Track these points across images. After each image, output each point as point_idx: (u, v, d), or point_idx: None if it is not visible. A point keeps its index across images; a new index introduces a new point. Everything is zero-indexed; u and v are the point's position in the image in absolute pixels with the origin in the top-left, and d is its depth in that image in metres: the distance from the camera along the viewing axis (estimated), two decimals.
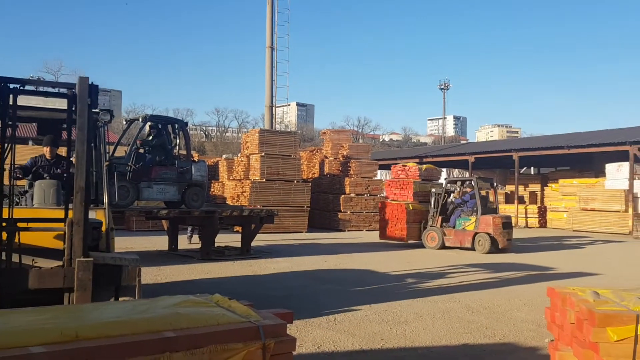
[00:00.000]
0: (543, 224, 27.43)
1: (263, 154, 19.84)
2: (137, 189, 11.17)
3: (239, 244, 13.13)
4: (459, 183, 16.01)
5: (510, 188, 29.80)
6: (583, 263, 12.95)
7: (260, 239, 14.96)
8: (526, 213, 27.85)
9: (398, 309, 7.35)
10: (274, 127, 27.81)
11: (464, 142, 71.31)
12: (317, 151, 25.16)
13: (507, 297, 8.35)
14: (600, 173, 25.98)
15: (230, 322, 3.12)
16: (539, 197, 29.54)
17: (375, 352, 5.43)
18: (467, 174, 27.06)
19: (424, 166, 17.93)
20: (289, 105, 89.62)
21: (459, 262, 12.56)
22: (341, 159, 23.23)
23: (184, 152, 12.59)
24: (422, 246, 15.48)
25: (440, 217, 15.39)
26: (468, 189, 15.53)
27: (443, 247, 15.08)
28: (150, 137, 11.87)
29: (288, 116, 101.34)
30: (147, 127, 11.87)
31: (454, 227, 15.12)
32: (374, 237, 18.04)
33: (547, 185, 29.56)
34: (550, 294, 4.55)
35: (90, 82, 5.33)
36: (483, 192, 16.10)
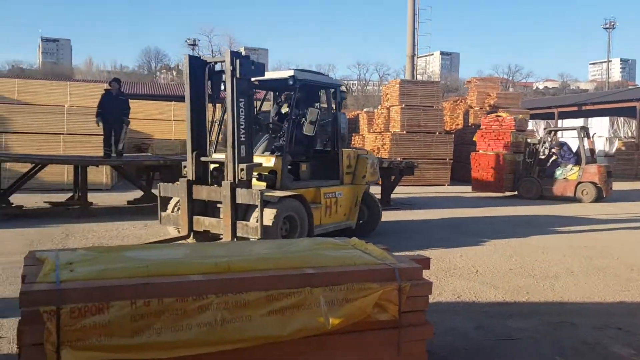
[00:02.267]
0: None
1: (403, 105, 19.56)
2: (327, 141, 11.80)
3: (379, 196, 13.27)
4: (553, 133, 16.03)
5: None
6: None
7: (401, 192, 14.97)
8: None
9: (546, 264, 6.99)
10: (415, 77, 27.18)
11: (632, 87, 63.72)
12: (461, 101, 24.20)
13: None
14: None
15: (366, 263, 3.23)
16: None
17: (518, 305, 5.25)
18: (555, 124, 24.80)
19: (520, 116, 17.38)
20: (432, 54, 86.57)
21: (599, 215, 11.53)
22: (487, 108, 22.09)
23: (325, 105, 12.87)
24: (519, 197, 15.26)
25: (537, 168, 15.31)
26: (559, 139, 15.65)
27: (541, 197, 14.99)
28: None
29: (431, 66, 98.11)
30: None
31: (552, 177, 15.10)
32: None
33: None
34: None
35: (236, 52, 6.75)
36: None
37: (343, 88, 8.75)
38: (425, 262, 3.57)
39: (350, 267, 3.13)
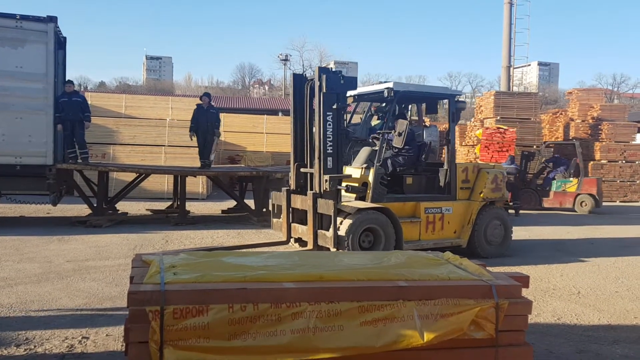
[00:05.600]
0: None
1: (498, 117, 18.89)
2: (435, 154, 11.78)
3: None
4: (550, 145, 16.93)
5: None
6: None
7: None
8: None
9: None
10: (511, 89, 26.21)
11: None
12: (561, 113, 22.94)
13: None
14: None
15: (461, 279, 3.13)
16: None
17: (626, 330, 4.86)
18: None
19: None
20: (529, 65, 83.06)
21: None
22: (590, 121, 20.79)
23: (415, 117, 12.72)
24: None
25: (535, 179, 15.97)
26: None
27: (538, 208, 15.21)
28: (384, 104, 12.26)
29: (528, 77, 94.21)
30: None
31: (548, 188, 15.53)
32: (626, 207, 15.95)
33: None
34: None
35: (324, 67, 7.04)
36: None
37: (461, 98, 8.31)
38: (524, 280, 3.40)
39: (445, 282, 3.05)
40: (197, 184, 15.28)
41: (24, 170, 9.55)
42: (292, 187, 7.48)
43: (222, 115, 17.17)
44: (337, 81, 6.82)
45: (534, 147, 18.16)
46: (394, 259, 3.46)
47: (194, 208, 12.23)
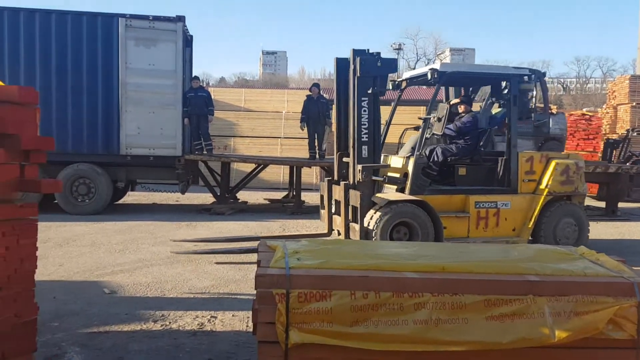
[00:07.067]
0: None
1: (634, 103, 17.32)
2: (492, 143, 11.19)
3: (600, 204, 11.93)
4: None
5: None
6: None
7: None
8: None
9: None
10: None
11: None
12: None
13: None
14: None
15: (598, 275, 2.92)
16: None
17: None
18: None
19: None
20: None
21: None
22: None
23: (541, 105, 11.98)
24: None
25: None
26: None
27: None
28: (506, 91, 11.67)
29: None
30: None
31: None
32: None
33: None
34: None
35: (359, 50, 6.45)
36: None
37: (525, 78, 7.43)
38: None
39: (580, 278, 2.84)
40: (311, 175, 15.63)
41: (156, 161, 10.33)
42: (335, 177, 7.08)
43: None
44: (373, 64, 6.35)
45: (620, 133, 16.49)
46: (521, 253, 3.29)
47: (308, 198, 12.50)
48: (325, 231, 7.31)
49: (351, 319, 2.65)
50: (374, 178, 6.39)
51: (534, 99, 12.01)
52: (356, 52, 6.45)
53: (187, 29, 10.59)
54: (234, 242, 7.40)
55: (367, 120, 6.44)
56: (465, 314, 2.68)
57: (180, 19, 10.08)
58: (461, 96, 7.66)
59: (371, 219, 6.09)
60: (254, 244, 6.78)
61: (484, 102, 10.90)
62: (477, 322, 2.68)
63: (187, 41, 10.93)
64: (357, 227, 6.27)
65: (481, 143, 7.51)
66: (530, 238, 6.97)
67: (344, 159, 6.90)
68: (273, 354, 2.66)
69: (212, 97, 11.48)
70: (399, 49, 57.91)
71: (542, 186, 6.99)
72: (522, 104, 11.93)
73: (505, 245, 4.22)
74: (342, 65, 6.89)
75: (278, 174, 15.85)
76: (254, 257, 6.49)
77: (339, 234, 6.93)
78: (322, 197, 7.64)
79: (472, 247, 3.96)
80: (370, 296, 2.68)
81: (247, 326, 4.24)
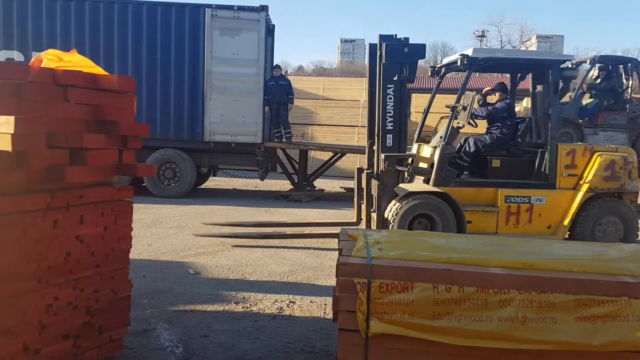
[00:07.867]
0: None
1: None
2: (581, 134, 10.64)
3: None
4: None
5: None
6: None
7: None
8: None
9: None
10: None
11: None
12: None
13: None
14: None
15: None
16: None
17: None
18: None
19: None
20: None
21: None
22: None
23: (637, 95, 11.25)
24: None
25: None
26: None
27: None
28: (599, 80, 11.05)
29: None
30: (594, 70, 11.10)
31: None
32: None
33: None
34: None
35: (387, 35, 6.27)
36: None
37: (567, 64, 6.82)
38: None
39: None
40: None
41: (238, 147, 10.63)
42: (366, 166, 6.94)
43: (413, 96, 17.16)
44: (400, 50, 6.14)
45: None
46: (615, 252, 3.12)
47: None
48: (354, 220, 7.29)
49: (433, 312, 2.63)
50: (398, 168, 6.33)
51: (629, 89, 11.36)
52: (383, 38, 6.31)
53: (269, 19, 10.78)
54: (261, 227, 7.47)
55: (392, 108, 6.34)
56: (554, 313, 2.59)
57: (264, 8, 10.27)
58: (497, 84, 7.30)
59: (390, 209, 6.07)
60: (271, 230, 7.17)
61: (573, 92, 10.39)
62: (566, 322, 2.58)
63: (269, 30, 11.11)
64: (375, 217, 6.26)
65: (519, 133, 7.12)
66: (567, 236, 6.57)
67: (374, 148, 6.76)
68: (353, 342, 2.69)
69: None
70: (482, 36, 56.06)
71: (583, 181, 6.53)
72: (615, 94, 11.30)
73: (596, 244, 4.00)
74: (374, 51, 6.68)
75: (354, 162, 15.84)
76: (329, 244, 6.59)
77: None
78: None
79: (561, 244, 3.79)
80: (454, 290, 2.64)
81: (324, 313, 4.31)
